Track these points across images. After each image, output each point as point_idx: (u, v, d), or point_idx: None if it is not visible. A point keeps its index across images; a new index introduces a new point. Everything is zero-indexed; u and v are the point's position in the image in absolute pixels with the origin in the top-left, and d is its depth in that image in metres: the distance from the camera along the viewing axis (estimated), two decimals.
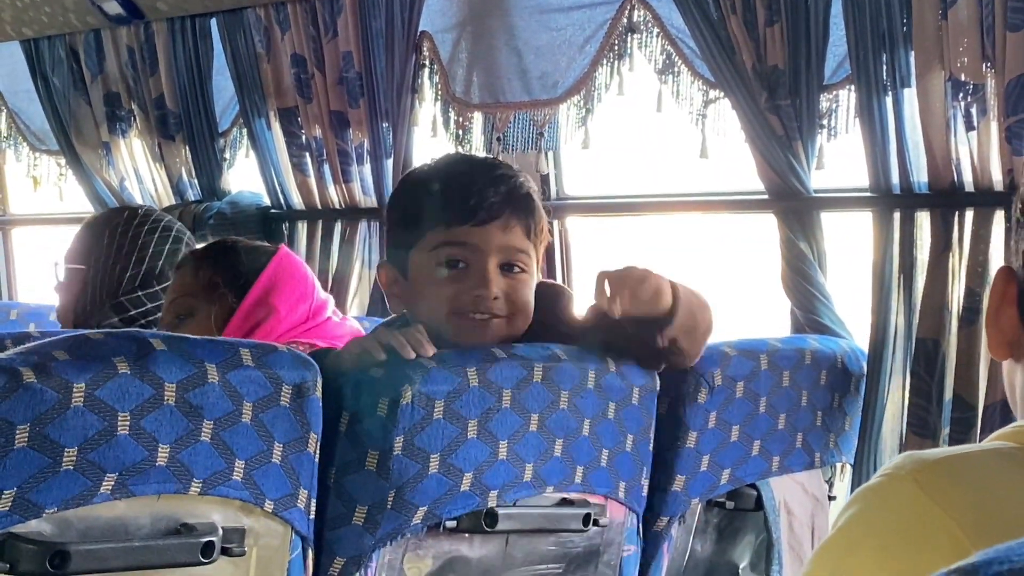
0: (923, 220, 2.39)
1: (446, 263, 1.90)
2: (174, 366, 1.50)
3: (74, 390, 1.42)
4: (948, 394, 2.32)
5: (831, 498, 2.44)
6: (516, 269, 1.92)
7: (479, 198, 1.89)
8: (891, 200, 2.42)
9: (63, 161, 4.02)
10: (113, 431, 1.45)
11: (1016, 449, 0.96)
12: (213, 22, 3.47)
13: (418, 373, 1.72)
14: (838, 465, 2.42)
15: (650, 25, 2.74)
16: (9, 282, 4.55)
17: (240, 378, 1.56)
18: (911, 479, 0.90)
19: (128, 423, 1.46)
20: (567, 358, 1.89)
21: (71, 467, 1.42)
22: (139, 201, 3.82)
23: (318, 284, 2.39)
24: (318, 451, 1.67)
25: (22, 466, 1.39)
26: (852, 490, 2.35)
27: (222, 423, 1.55)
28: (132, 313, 2.60)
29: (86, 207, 4.02)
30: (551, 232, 2.03)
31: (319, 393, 1.65)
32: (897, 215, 2.42)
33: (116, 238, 2.70)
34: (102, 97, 3.81)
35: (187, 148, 3.63)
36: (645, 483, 2.05)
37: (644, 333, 1.91)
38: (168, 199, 3.74)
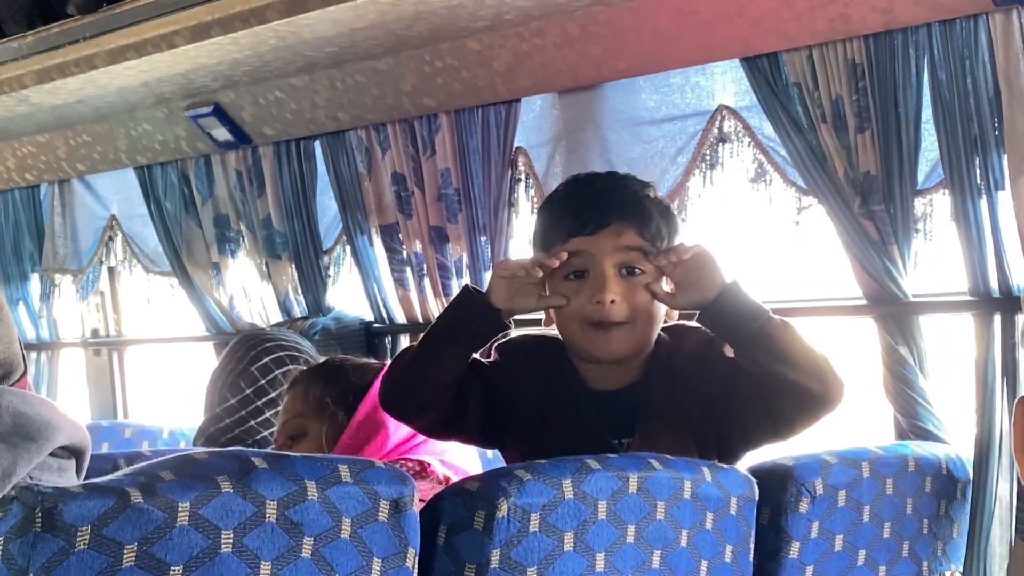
0: None
1: (570, 274, 2.04)
2: (275, 484, 1.55)
3: (179, 509, 1.46)
4: None
5: None
6: (636, 271, 2.04)
7: (588, 209, 2.05)
8: (991, 303, 2.39)
9: (175, 282, 4.14)
10: (217, 549, 1.49)
11: None
12: (317, 144, 3.58)
13: (513, 485, 1.73)
14: (947, 573, 2.37)
15: (741, 135, 2.76)
16: (123, 401, 4.67)
17: (339, 494, 1.60)
18: None
19: (231, 541, 1.50)
20: (662, 468, 1.89)
21: None
22: (248, 319, 3.92)
23: None
24: (416, 565, 1.69)
25: None
26: None
27: (322, 539, 1.58)
28: (227, 422, 2.65)
29: (197, 326, 4.13)
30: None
31: (416, 507, 1.67)
32: (997, 318, 2.39)
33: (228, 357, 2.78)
34: (212, 219, 3.93)
35: (293, 266, 3.72)
36: None
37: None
38: (275, 316, 3.83)
